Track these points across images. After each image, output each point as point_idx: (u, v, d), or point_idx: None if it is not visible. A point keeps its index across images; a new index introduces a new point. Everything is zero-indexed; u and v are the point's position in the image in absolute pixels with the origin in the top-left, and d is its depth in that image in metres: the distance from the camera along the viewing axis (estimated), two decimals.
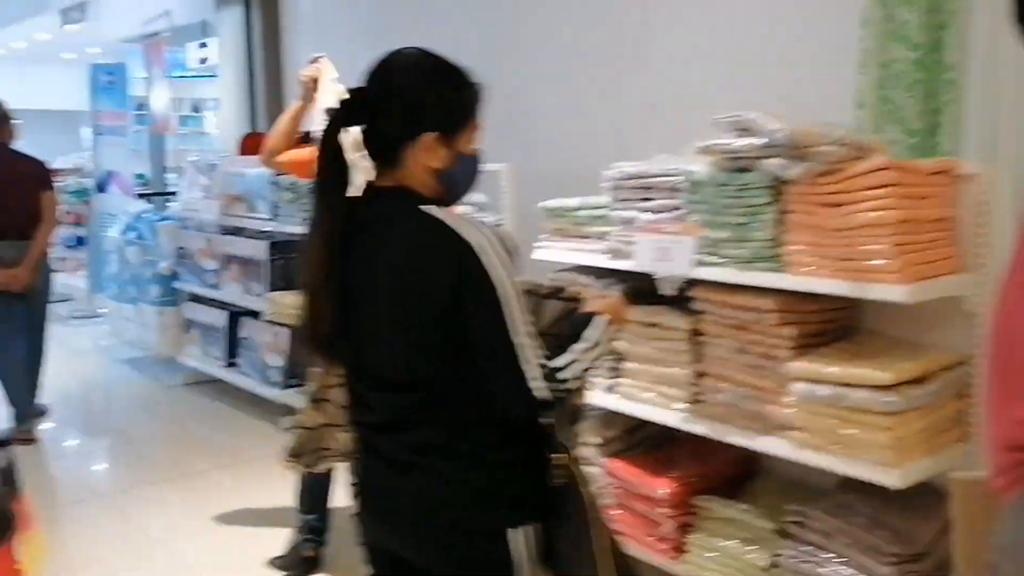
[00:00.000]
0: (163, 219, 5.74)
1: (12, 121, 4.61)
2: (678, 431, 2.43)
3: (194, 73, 14.34)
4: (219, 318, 5.16)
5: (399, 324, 1.39)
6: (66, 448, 4.69)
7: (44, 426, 4.74)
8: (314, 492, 3.05)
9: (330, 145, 1.43)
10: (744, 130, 2.09)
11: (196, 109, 16.10)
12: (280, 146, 2.94)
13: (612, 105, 3.32)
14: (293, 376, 4.65)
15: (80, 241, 7.98)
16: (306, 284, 1.45)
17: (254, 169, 4.69)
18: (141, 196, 7.99)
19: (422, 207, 1.41)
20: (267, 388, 4.74)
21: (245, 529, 3.48)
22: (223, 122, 7.04)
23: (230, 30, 6.72)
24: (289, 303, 4.38)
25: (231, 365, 5.15)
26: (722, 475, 2.54)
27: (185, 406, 5.17)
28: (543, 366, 1.36)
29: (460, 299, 1.34)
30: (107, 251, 6.13)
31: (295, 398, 4.51)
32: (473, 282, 1.33)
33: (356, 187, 1.47)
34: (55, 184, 4.68)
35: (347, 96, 1.45)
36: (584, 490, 1.46)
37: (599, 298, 1.67)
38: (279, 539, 3.16)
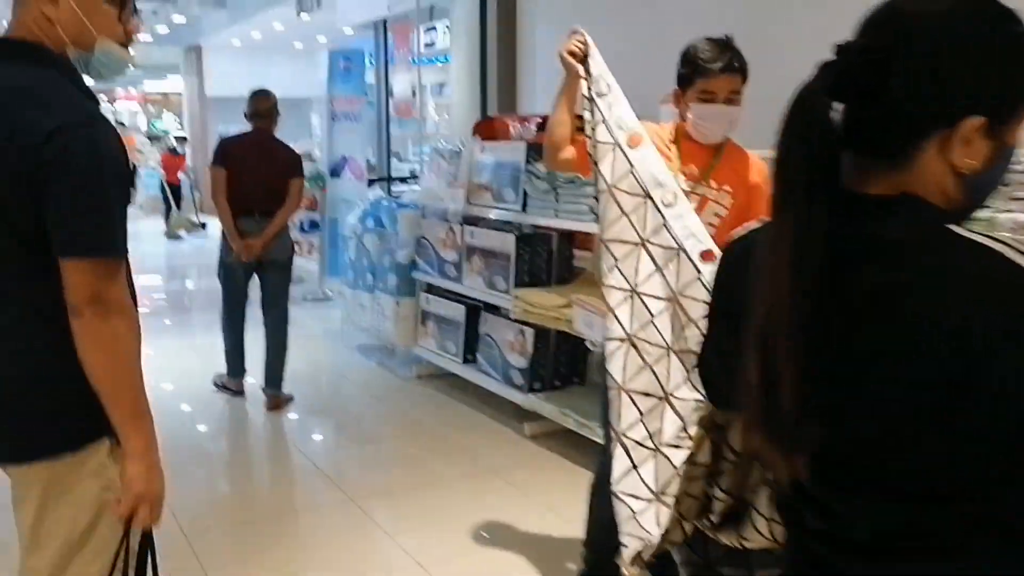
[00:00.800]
0: (403, 206, 5.61)
1: (275, 110, 4.99)
2: None
3: (424, 57, 14.66)
4: (458, 312, 4.95)
5: (945, 411, 0.90)
6: (301, 436, 4.65)
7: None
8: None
9: (810, 130, 0.96)
10: None
11: (415, 94, 16.59)
12: (565, 140, 2.42)
13: None
14: (537, 379, 4.33)
15: (314, 225, 8.18)
16: (758, 334, 0.99)
17: (504, 156, 4.39)
18: (372, 182, 8.08)
19: (954, 230, 0.92)
20: (507, 389, 4.45)
21: (499, 555, 3.17)
22: (455, 107, 6.89)
23: (464, 11, 6.53)
24: (536, 301, 4.05)
25: (468, 361, 4.93)
26: None
27: (419, 400, 5.01)
28: None
29: None
30: (344, 237, 6.13)
31: (538, 403, 4.18)
32: None
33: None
34: (304, 173, 4.98)
35: (841, 56, 0.96)
36: None
37: None
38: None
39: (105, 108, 23.06)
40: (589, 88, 2.09)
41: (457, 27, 6.79)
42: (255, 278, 4.89)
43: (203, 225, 14.24)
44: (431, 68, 9.27)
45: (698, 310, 1.84)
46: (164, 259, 11.93)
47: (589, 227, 3.75)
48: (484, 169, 4.58)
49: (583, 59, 2.15)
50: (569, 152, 2.41)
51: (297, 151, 5.07)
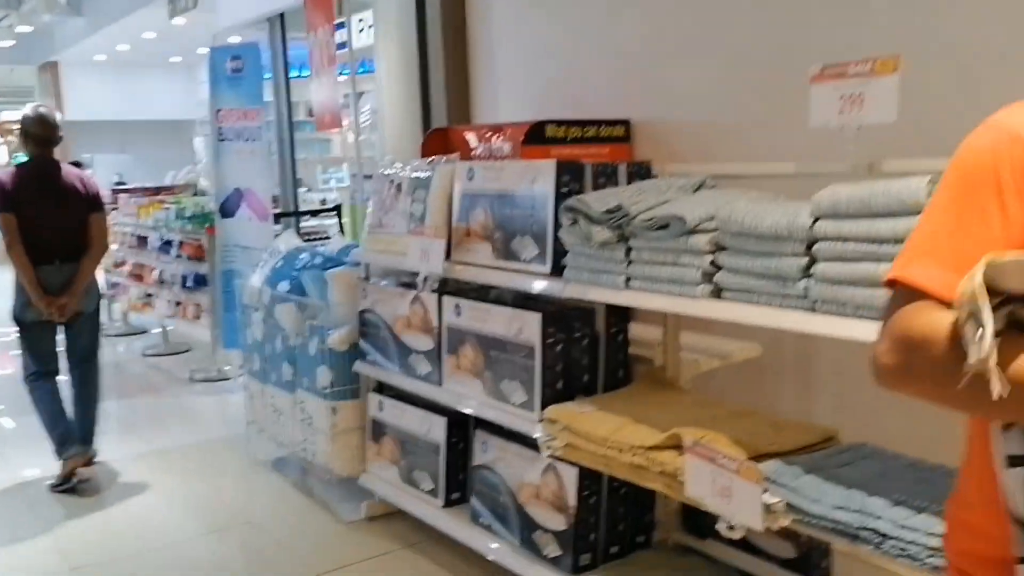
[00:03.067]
0: (329, 262, 3.81)
1: (59, 133, 4.23)
2: None
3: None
4: (434, 426, 3.19)
5: None
6: None
7: None
8: None
9: None
10: None
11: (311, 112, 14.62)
12: None
13: None
14: (585, 549, 2.62)
15: (199, 280, 6.22)
16: None
17: (515, 183, 2.69)
18: (278, 217, 6.20)
19: None
20: (531, 563, 2.72)
21: None
22: (386, 119, 5.17)
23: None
24: (591, 431, 2.36)
25: (452, 503, 3.18)
26: None
27: (376, 563, 3.21)
28: None
29: None
30: (245, 306, 4.27)
31: None
32: None
33: None
34: (105, 205, 4.42)
35: None
36: None
37: None
38: None
39: None
40: None
41: (384, 20, 5.11)
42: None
43: None
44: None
45: None
46: None
47: (681, 304, 2.11)
48: (475, 205, 2.86)
49: None
50: None
51: (97, 184, 4.39)
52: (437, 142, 4.80)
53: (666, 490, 2.13)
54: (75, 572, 3.25)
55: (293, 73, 7.48)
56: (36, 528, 3.64)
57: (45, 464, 4.23)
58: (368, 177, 8.65)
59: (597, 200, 2.34)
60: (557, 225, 2.53)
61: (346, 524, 3.56)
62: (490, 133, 4.42)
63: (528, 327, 2.64)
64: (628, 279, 2.28)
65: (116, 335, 7.76)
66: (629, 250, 2.28)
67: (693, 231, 2.10)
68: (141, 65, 13.74)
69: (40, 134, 4.10)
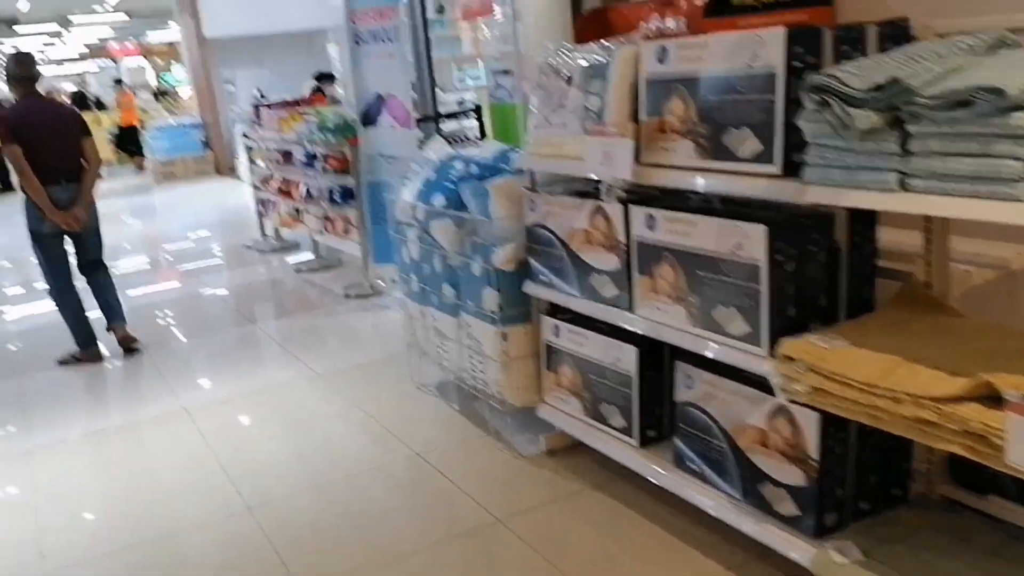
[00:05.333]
0: (490, 170, 3.38)
1: (37, 69, 4.88)
2: None
3: None
4: (623, 356, 2.76)
5: None
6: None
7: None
8: None
9: None
10: None
11: (441, 8, 14.02)
12: None
13: None
14: (831, 508, 2.16)
15: (347, 194, 5.98)
16: None
17: (726, 60, 2.12)
18: (420, 122, 5.81)
19: None
20: (760, 524, 2.29)
21: None
22: (527, 3, 4.59)
23: None
24: (849, 372, 1.85)
25: (648, 441, 2.78)
26: None
27: (559, 503, 2.88)
28: None
29: None
30: (397, 223, 3.93)
31: (841, 561, 2.02)
32: None
33: None
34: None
35: None
36: None
37: None
38: None
39: (105, 65, 21.23)
40: None
41: None
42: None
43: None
44: None
45: None
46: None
47: (996, 210, 1.54)
48: (670, 94, 2.31)
49: None
50: None
51: (78, 114, 5.17)
52: (593, 25, 4.22)
53: (972, 454, 1.61)
54: (253, 509, 3.12)
55: None
56: (204, 453, 3.55)
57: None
58: (506, 72, 8.04)
59: (856, 74, 1.75)
60: (790, 112, 1.96)
61: (524, 458, 3.25)
62: (659, 9, 3.79)
63: (751, 241, 2.12)
64: (904, 177, 1.71)
65: (269, 251, 7.78)
66: (906, 138, 1.69)
67: (1014, 107, 1.50)
68: None
69: (22, 74, 4.74)
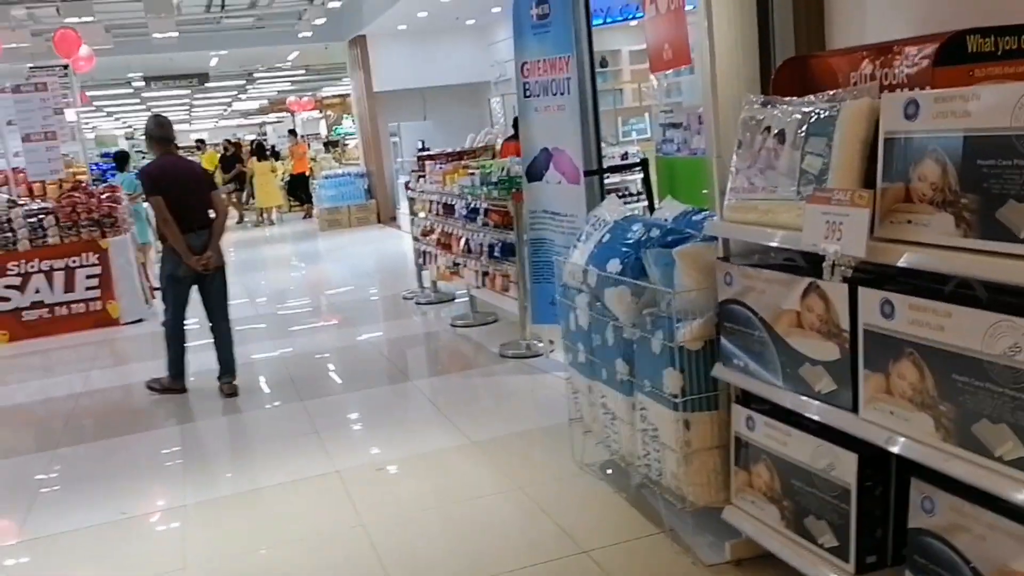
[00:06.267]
0: (675, 236, 3.04)
1: (173, 132, 5.53)
2: None
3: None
4: (840, 464, 2.32)
5: None
6: None
7: None
8: None
9: None
10: None
11: (603, 62, 13.92)
12: None
13: None
14: None
15: (507, 249, 5.79)
16: None
17: None
18: (591, 174, 5.54)
19: None
20: None
21: None
22: (716, 53, 4.25)
23: None
24: None
25: (867, 568, 2.30)
26: None
27: None
28: None
29: None
30: (564, 286, 3.65)
31: None
32: None
33: None
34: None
35: None
36: None
37: None
38: None
39: (283, 116, 22.65)
40: None
41: None
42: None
43: None
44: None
45: None
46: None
47: None
48: (920, 155, 1.91)
49: None
50: None
51: (206, 171, 6.26)
52: (793, 75, 3.80)
53: None
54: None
55: (596, 21, 6.76)
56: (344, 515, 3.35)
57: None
58: (676, 126, 7.61)
59: None
60: None
61: (706, 566, 2.83)
62: (874, 56, 3.35)
63: None
64: None
65: (426, 303, 7.73)
66: None
67: None
68: (438, 31, 13.90)
69: (162, 135, 5.38)
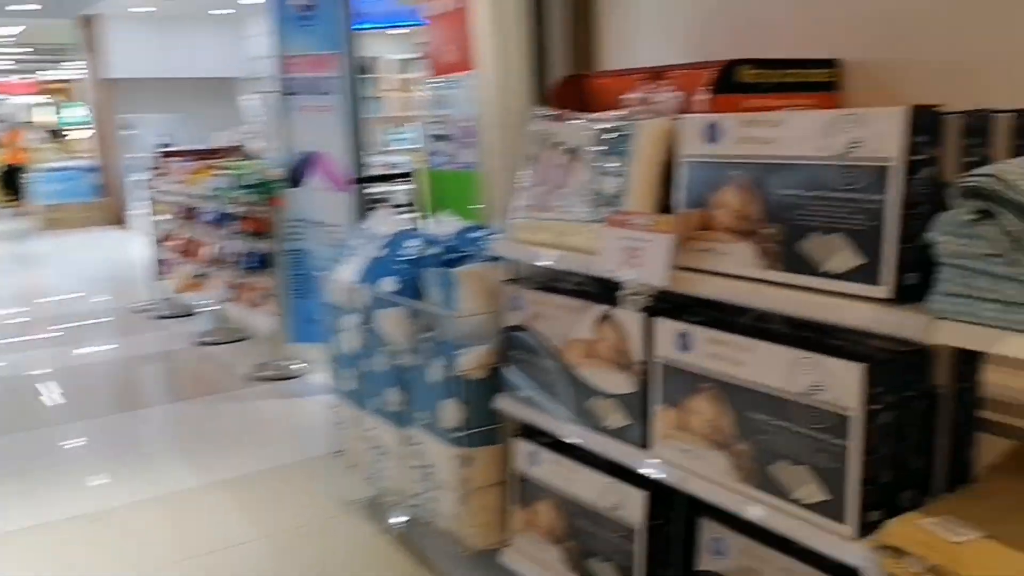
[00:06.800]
0: (455, 255, 2.80)
1: None
2: None
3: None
4: (626, 502, 2.19)
5: None
6: None
7: None
8: None
9: None
10: None
11: (363, 69, 13.52)
12: None
13: None
14: None
15: (263, 261, 5.27)
16: None
17: (843, 146, 1.64)
18: (359, 182, 5.15)
19: None
20: None
21: None
22: (486, 67, 4.12)
23: None
24: None
25: None
26: None
27: None
28: None
29: None
30: (331, 306, 3.29)
31: None
32: None
33: None
34: None
35: None
36: None
37: None
38: None
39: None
40: None
41: None
42: None
43: None
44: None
45: None
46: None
47: None
48: (722, 181, 1.82)
49: None
50: None
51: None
52: (569, 94, 3.73)
53: None
54: None
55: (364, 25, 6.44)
56: None
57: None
58: (443, 138, 7.48)
59: None
60: (908, 218, 1.49)
61: None
62: (646, 80, 3.34)
63: (837, 382, 1.61)
64: None
65: (166, 316, 6.91)
66: None
67: None
68: (185, 17, 12.77)
69: None
